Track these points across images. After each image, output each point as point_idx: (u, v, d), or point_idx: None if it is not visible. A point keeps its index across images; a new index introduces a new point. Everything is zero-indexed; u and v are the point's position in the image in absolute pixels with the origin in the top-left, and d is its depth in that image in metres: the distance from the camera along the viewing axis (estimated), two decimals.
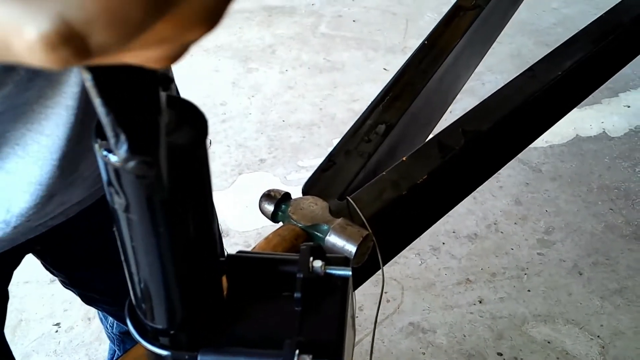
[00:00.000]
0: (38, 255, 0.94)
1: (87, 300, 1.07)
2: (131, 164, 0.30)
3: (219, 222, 1.12)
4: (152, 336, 0.43)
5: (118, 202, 0.35)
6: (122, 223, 0.37)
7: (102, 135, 0.33)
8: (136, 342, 0.45)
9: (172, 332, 0.43)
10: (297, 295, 0.45)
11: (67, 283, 1.02)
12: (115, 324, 1.24)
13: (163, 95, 0.32)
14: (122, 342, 1.27)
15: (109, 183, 0.35)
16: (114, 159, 0.33)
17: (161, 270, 0.39)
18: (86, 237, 0.90)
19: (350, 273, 0.47)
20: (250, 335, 0.44)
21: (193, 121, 0.35)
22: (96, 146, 0.33)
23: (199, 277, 0.41)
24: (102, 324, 1.32)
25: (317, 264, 0.46)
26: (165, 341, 0.43)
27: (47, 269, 0.99)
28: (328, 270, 0.46)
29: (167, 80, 0.32)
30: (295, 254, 0.47)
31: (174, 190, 0.35)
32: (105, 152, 0.33)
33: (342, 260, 0.49)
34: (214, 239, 0.41)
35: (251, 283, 0.47)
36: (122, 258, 0.40)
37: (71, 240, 0.90)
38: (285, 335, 0.43)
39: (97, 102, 0.28)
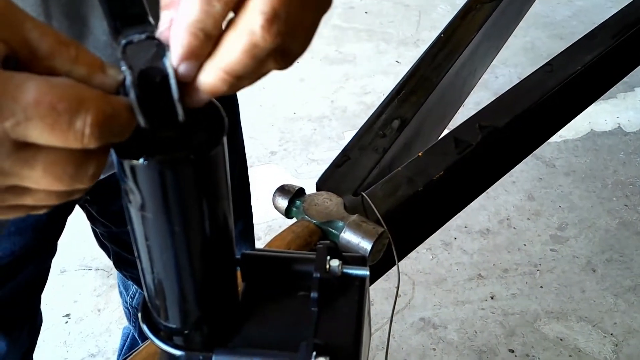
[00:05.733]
0: (86, 204, 0.95)
1: (120, 261, 1.09)
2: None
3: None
4: (165, 335, 0.43)
5: (133, 200, 0.34)
6: (136, 221, 0.36)
7: None
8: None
9: (186, 331, 0.42)
10: (313, 295, 0.44)
11: (106, 236, 1.03)
12: (137, 294, 1.24)
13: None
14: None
15: (123, 180, 0.34)
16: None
17: (176, 269, 0.38)
18: None
19: (367, 273, 0.46)
20: (266, 336, 0.43)
21: (211, 118, 0.34)
22: None
23: (214, 276, 0.41)
24: (122, 297, 1.32)
25: (334, 263, 0.45)
26: (179, 341, 0.42)
27: (89, 218, 1.00)
28: (345, 270, 0.45)
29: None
30: (311, 253, 0.46)
31: (190, 188, 0.34)
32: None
33: (359, 259, 0.48)
34: (229, 237, 0.40)
35: (266, 282, 0.46)
36: (136, 256, 0.39)
37: (118, 195, 0.90)
38: (301, 337, 0.42)
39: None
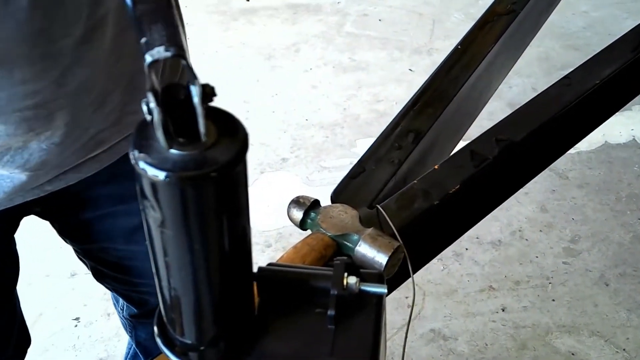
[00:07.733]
0: (43, 217, 0.93)
1: (98, 275, 1.07)
2: None
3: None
4: (180, 351, 0.42)
5: (153, 217, 0.34)
6: (156, 237, 0.35)
7: (139, 147, 0.32)
8: (161, 351, 0.44)
9: (202, 347, 0.41)
10: (330, 312, 0.43)
11: (80, 252, 1.02)
12: (125, 306, 1.23)
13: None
14: (133, 328, 1.26)
15: (144, 196, 0.33)
16: (151, 172, 0.31)
17: (194, 285, 0.38)
18: (94, 208, 0.89)
19: (385, 291, 0.46)
20: (282, 353, 0.43)
21: (233, 134, 0.33)
22: (134, 155, 0.32)
23: (232, 292, 0.40)
24: (116, 309, 1.31)
25: (352, 280, 0.44)
26: (194, 357, 0.42)
27: (60, 236, 0.99)
28: (362, 287, 0.45)
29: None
30: (328, 269, 0.46)
31: (211, 206, 0.33)
32: (143, 165, 0.32)
33: (377, 276, 0.47)
34: (248, 253, 0.40)
35: (283, 298, 0.46)
36: (154, 271, 0.39)
37: (78, 210, 0.89)
38: (317, 355, 0.42)
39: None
